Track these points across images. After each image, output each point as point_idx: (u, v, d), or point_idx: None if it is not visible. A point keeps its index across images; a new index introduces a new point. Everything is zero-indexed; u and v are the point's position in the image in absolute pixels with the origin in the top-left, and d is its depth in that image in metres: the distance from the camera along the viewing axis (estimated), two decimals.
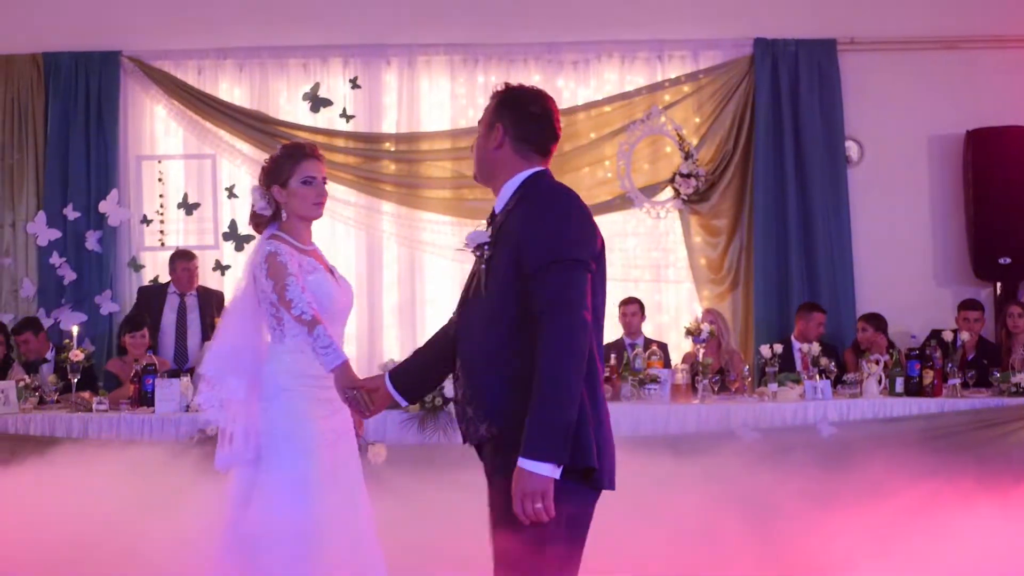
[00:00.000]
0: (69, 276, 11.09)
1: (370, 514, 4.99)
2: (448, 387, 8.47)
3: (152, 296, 10.67)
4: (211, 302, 10.49)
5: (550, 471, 3.57)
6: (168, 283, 10.67)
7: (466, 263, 11.16)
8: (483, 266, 4.01)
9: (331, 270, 5.17)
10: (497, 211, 4.10)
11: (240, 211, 11.34)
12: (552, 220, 3.90)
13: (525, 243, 3.83)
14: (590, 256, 3.88)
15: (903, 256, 11.35)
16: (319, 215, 5.11)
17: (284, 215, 5.04)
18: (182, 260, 10.59)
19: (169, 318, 10.36)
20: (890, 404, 8.89)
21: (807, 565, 6.01)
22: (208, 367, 5.04)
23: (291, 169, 4.99)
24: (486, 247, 4.00)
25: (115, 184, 11.21)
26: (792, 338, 10.27)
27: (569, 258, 3.75)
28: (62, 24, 11.31)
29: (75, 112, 11.27)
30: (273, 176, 5.03)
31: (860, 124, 11.44)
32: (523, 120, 4.18)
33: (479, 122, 4.20)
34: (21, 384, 8.97)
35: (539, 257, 3.77)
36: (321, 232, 11.28)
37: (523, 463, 3.57)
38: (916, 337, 10.51)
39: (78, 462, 7.32)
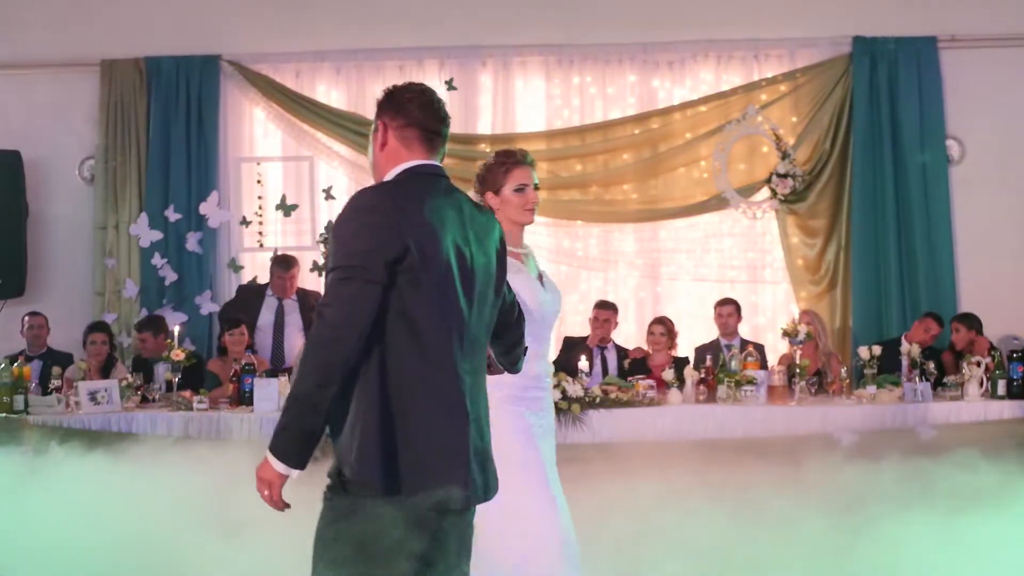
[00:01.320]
0: (170, 277, 11.26)
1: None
2: None
3: (251, 295, 10.78)
4: (309, 304, 10.57)
5: (282, 468, 3.60)
6: (267, 284, 10.77)
7: (563, 264, 11.23)
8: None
9: (540, 275, 5.25)
10: None
11: (337, 212, 11.41)
12: (339, 224, 3.75)
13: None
14: (375, 264, 3.62)
15: (1005, 256, 11.15)
16: (530, 221, 5.21)
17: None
18: (279, 268, 10.63)
19: (267, 318, 10.45)
20: (992, 407, 8.76)
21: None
22: None
23: (504, 177, 5.13)
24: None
25: (215, 186, 11.37)
26: (902, 338, 10.01)
27: (342, 266, 3.63)
28: (163, 29, 11.50)
29: (176, 115, 11.45)
30: (487, 183, 5.19)
31: (961, 122, 11.28)
32: (400, 110, 3.90)
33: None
34: (124, 383, 9.13)
35: (328, 264, 3.76)
36: None
37: (267, 452, 3.62)
38: (1019, 339, 10.33)
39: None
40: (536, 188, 5.15)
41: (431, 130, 3.91)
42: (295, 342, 10.40)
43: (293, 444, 3.60)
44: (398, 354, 3.65)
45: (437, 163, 3.94)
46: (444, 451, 3.68)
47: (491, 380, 4.06)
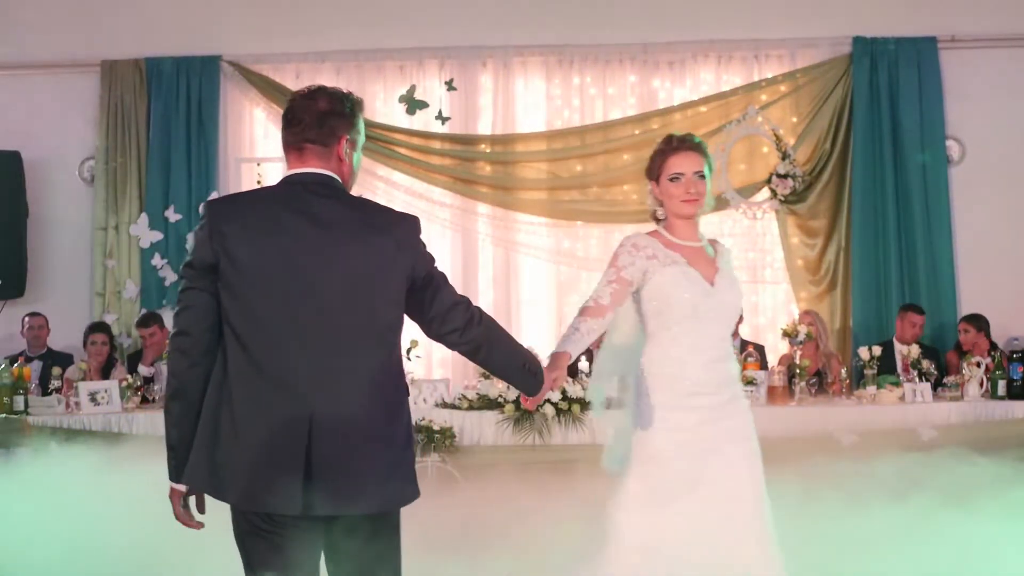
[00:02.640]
0: (171, 277, 11.25)
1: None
2: None
3: None
4: None
5: (172, 484, 3.82)
6: None
7: (563, 265, 11.25)
8: None
9: (716, 269, 4.80)
10: None
11: None
12: None
13: None
14: (195, 264, 3.82)
15: (1005, 256, 11.15)
16: (688, 213, 4.81)
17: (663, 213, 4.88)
18: None
19: None
20: (992, 407, 8.77)
21: None
22: (597, 363, 5.16)
23: (660, 165, 4.82)
24: None
25: (215, 186, 11.36)
26: (893, 340, 10.15)
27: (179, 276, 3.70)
28: (163, 30, 11.50)
29: (176, 116, 11.45)
30: (649, 172, 4.88)
31: (961, 123, 11.27)
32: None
33: None
34: (124, 383, 9.14)
35: None
36: None
37: None
38: (1019, 339, 10.33)
39: None
40: (702, 177, 4.76)
41: (287, 141, 3.97)
42: None
43: (168, 459, 3.80)
44: (230, 362, 3.72)
45: (309, 170, 3.90)
46: (266, 458, 3.66)
47: (649, 384, 4.67)
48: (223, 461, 3.68)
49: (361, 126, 4.04)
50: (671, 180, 4.75)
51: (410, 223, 3.97)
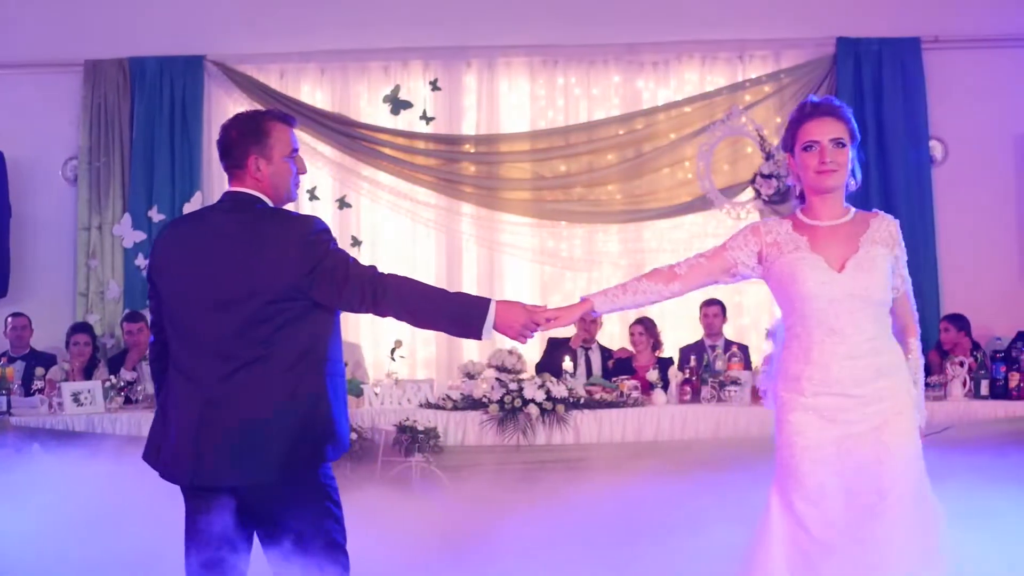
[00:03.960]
0: None
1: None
2: (528, 389, 8.50)
3: None
4: None
5: None
6: None
7: (547, 265, 11.23)
8: None
9: (855, 250, 4.36)
10: None
11: (321, 213, 11.42)
12: None
13: None
14: (148, 279, 4.50)
15: (988, 257, 11.20)
16: (824, 186, 4.39)
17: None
18: None
19: None
20: (975, 407, 8.79)
21: None
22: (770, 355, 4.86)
23: (793, 134, 4.45)
24: None
25: (199, 186, 11.33)
26: None
27: None
28: (147, 29, 11.47)
29: (160, 116, 11.42)
30: (784, 143, 4.54)
31: (944, 123, 11.31)
32: None
33: None
34: (107, 384, 9.10)
35: None
36: (401, 233, 11.38)
37: None
38: (1001, 339, 10.36)
39: None
40: (841, 145, 4.36)
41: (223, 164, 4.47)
42: None
43: None
44: (170, 359, 4.41)
45: (228, 190, 4.43)
46: (173, 438, 4.28)
47: (781, 384, 4.44)
48: (159, 443, 4.36)
49: (279, 136, 4.41)
50: (805, 149, 4.38)
51: (297, 223, 4.30)
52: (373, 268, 4.27)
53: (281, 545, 4.24)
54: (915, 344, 4.47)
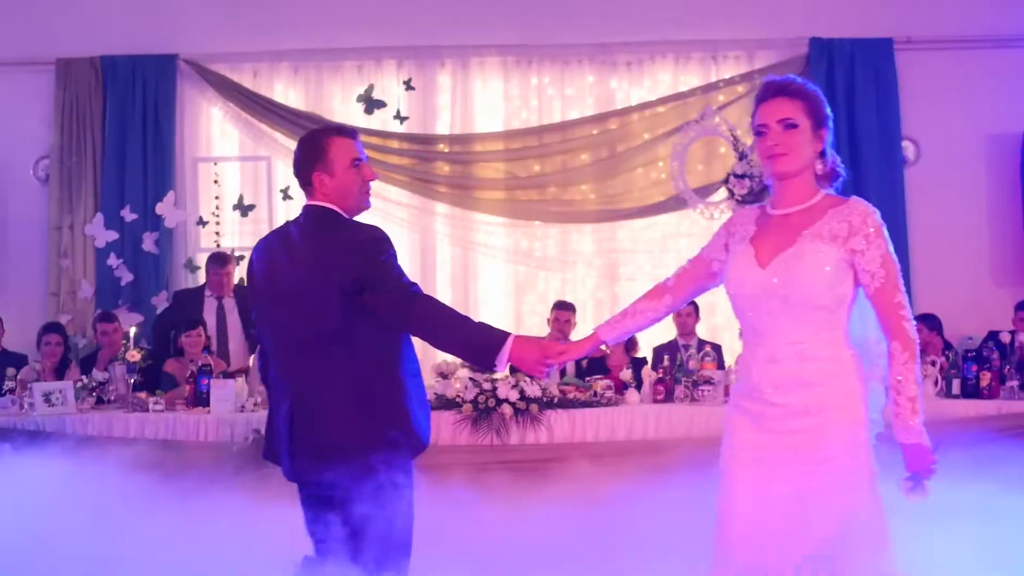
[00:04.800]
0: (126, 277, 11.18)
1: None
2: (502, 388, 8.50)
3: (188, 300, 10.61)
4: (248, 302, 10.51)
5: None
6: (204, 286, 10.69)
7: (520, 265, 11.23)
8: None
9: (787, 245, 4.01)
10: None
11: (294, 213, 11.37)
12: None
13: None
14: None
15: (960, 257, 11.26)
16: (775, 173, 4.10)
17: None
18: (214, 265, 10.48)
19: (209, 321, 10.36)
20: (946, 406, 8.82)
21: None
22: None
23: (751, 120, 4.18)
24: None
25: (171, 186, 11.30)
26: None
27: None
28: (119, 28, 11.42)
29: (132, 115, 11.37)
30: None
31: (917, 124, 11.37)
32: None
33: None
34: (79, 384, 9.06)
35: None
36: None
37: None
38: (973, 339, 10.41)
39: None
40: (791, 126, 4.02)
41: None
42: (239, 342, 10.34)
43: None
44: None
45: (303, 204, 4.72)
46: (271, 435, 4.69)
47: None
48: (271, 441, 4.71)
49: (339, 149, 4.63)
50: (757, 135, 4.09)
51: (350, 230, 4.55)
52: (411, 286, 4.40)
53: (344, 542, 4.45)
54: (897, 349, 3.93)
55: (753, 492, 4.02)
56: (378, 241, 4.45)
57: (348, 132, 4.73)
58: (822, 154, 4.11)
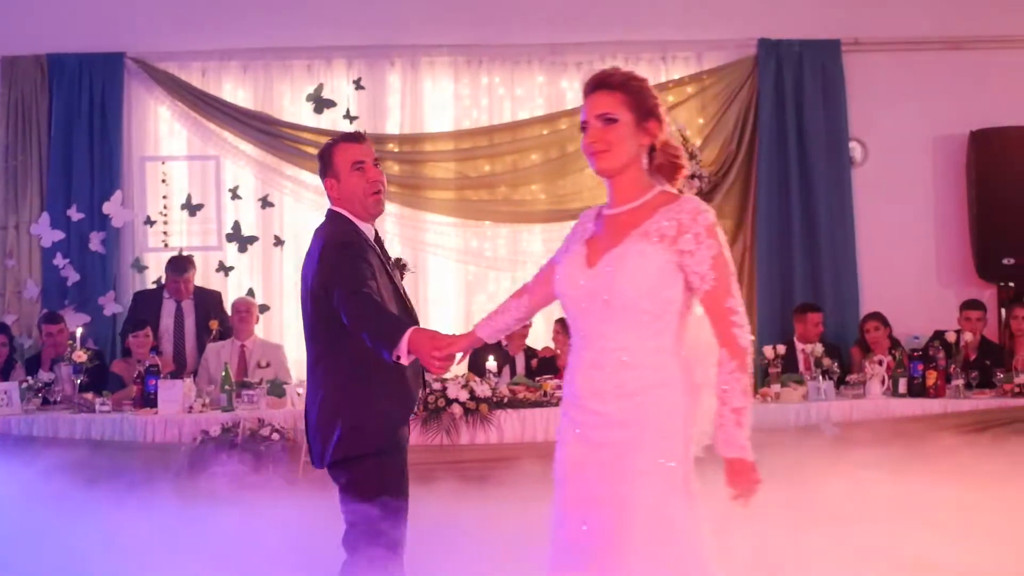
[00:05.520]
0: (73, 277, 11.08)
1: None
2: (452, 388, 8.50)
3: (147, 301, 10.57)
4: (207, 303, 10.47)
5: None
6: (163, 288, 10.62)
7: (471, 265, 11.22)
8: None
9: (614, 245, 3.78)
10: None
11: (243, 212, 11.35)
12: None
13: None
14: None
15: (906, 257, 11.35)
16: (595, 168, 3.86)
17: None
18: (173, 272, 10.45)
19: (167, 323, 10.29)
20: (893, 405, 8.91)
21: None
22: None
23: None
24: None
25: (119, 185, 11.20)
26: (794, 340, 10.26)
27: None
28: (66, 25, 11.30)
29: (79, 113, 11.26)
30: None
31: (864, 125, 11.44)
32: None
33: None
34: (24, 385, 8.99)
35: None
36: None
37: None
38: (919, 338, 10.49)
39: None
40: (610, 120, 3.78)
41: None
42: (195, 344, 10.30)
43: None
44: None
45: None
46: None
47: None
48: None
49: (342, 155, 4.90)
50: (582, 131, 3.87)
51: (326, 230, 4.84)
52: (361, 286, 4.51)
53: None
54: (725, 357, 3.68)
55: (571, 504, 3.82)
56: (339, 247, 4.65)
57: (353, 137, 4.97)
58: (653, 148, 3.86)
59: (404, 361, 4.28)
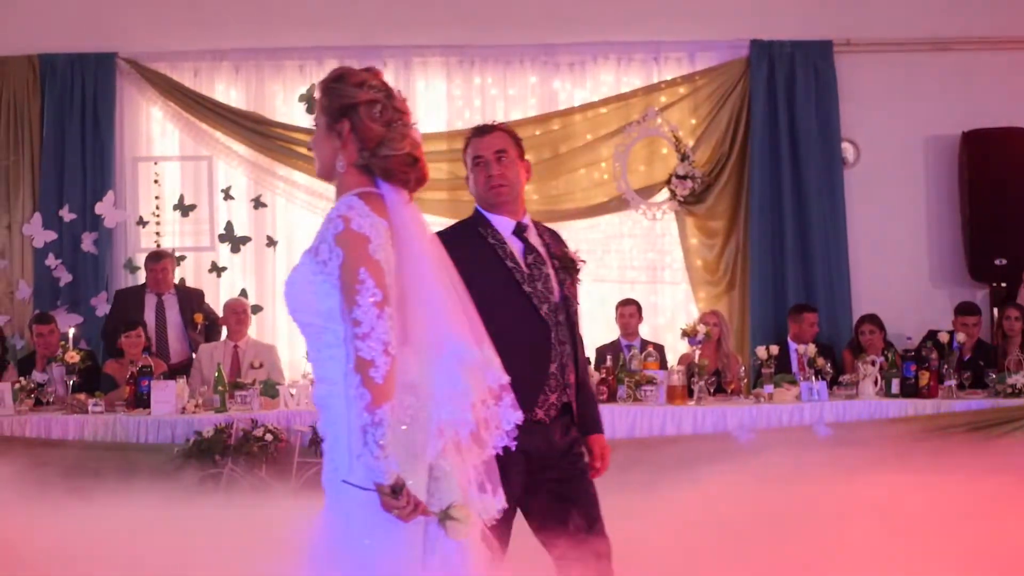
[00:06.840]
0: (65, 278, 11.06)
1: None
2: None
3: (128, 299, 10.52)
4: (191, 300, 10.47)
5: None
6: (144, 284, 10.60)
7: None
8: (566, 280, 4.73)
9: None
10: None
11: (236, 213, 11.33)
12: None
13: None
14: None
15: (899, 257, 11.37)
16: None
17: None
18: (151, 262, 10.46)
19: (148, 317, 10.26)
20: (886, 405, 8.92)
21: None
22: None
23: None
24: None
25: (111, 186, 11.18)
26: (788, 340, 10.26)
27: None
28: (58, 26, 11.29)
29: (71, 114, 11.25)
30: None
31: (856, 126, 11.45)
32: None
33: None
34: (17, 385, 8.97)
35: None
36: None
37: None
38: (912, 338, 10.50)
39: None
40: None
41: None
42: (178, 337, 10.29)
43: None
44: None
45: None
46: None
47: None
48: None
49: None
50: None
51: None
52: None
53: None
54: (350, 372, 3.32)
55: None
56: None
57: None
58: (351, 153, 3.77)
59: None
